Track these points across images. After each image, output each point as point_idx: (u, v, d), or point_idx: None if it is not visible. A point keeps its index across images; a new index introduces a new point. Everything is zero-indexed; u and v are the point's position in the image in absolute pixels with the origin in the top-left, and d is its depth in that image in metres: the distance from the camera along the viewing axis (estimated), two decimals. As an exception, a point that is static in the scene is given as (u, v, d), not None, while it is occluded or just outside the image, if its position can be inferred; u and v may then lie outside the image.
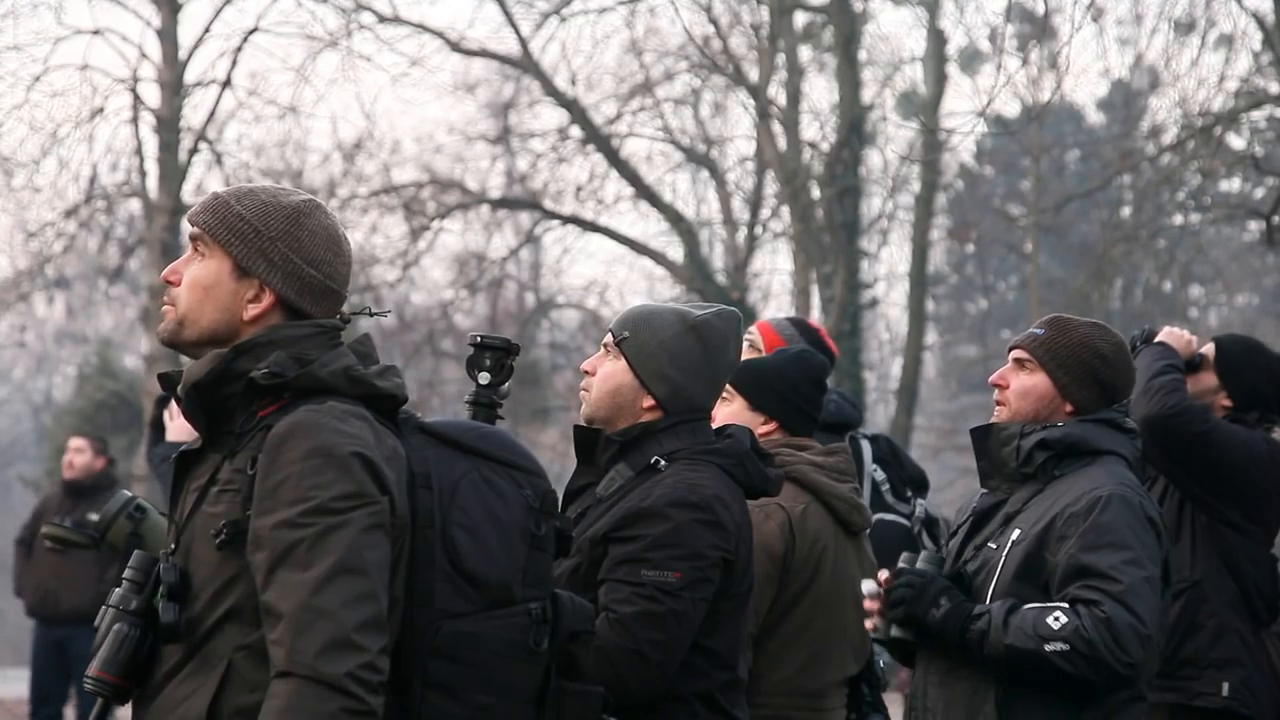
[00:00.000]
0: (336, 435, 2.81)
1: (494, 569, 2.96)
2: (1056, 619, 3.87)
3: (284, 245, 2.98)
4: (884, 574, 4.20)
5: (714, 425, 4.82)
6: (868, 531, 4.82)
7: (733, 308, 3.94)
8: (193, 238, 3.02)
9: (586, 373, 3.93)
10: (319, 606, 2.72)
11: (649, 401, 3.83)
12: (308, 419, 2.83)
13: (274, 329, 2.96)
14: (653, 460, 3.76)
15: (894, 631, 4.13)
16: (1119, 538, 3.92)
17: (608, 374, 3.88)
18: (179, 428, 6.80)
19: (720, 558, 3.67)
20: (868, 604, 4.24)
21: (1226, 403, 5.41)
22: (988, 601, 4.01)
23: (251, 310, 2.98)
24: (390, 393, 2.96)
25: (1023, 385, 4.16)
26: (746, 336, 5.91)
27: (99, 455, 10.45)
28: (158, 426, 6.96)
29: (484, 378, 4.01)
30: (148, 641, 2.89)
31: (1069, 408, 4.15)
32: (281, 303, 2.99)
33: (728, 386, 4.80)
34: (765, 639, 4.53)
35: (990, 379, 4.26)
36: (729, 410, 4.77)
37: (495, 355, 4.02)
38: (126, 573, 2.93)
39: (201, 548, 2.87)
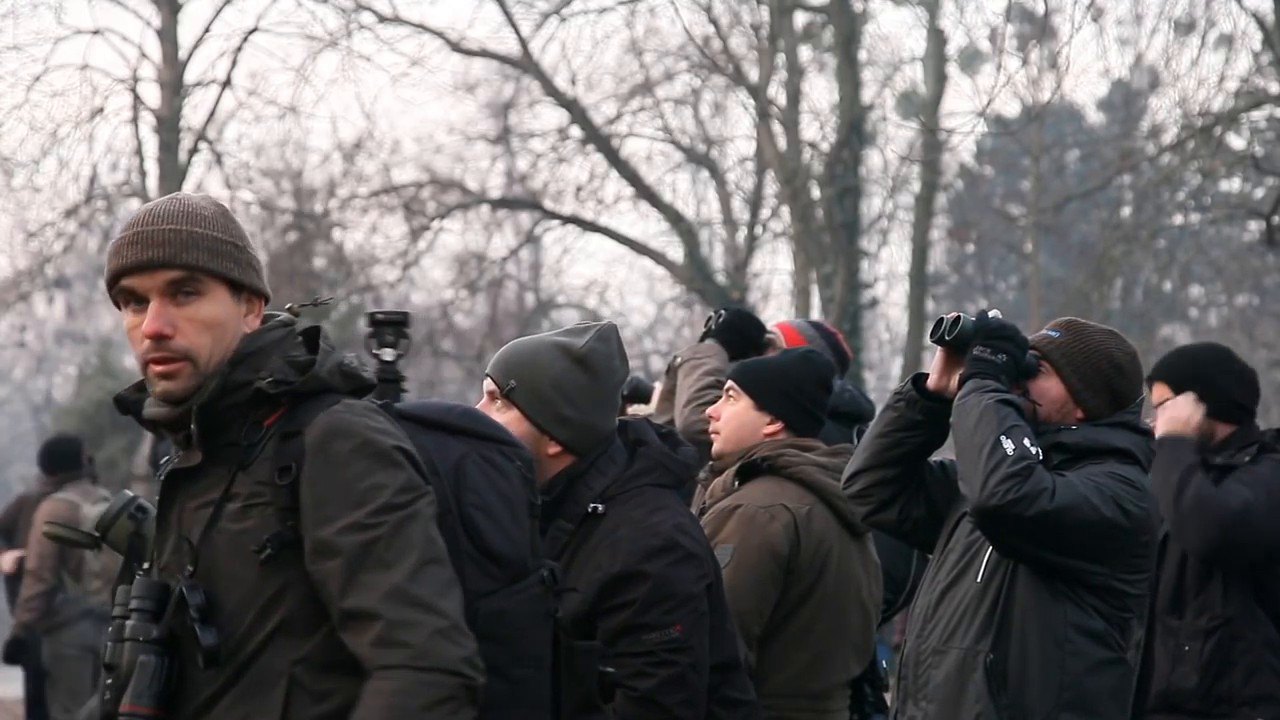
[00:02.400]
0: (374, 433, 2.78)
1: (511, 544, 2.98)
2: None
3: (248, 248, 2.88)
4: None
5: (718, 423, 4.84)
6: (872, 533, 4.82)
7: (607, 320, 3.86)
8: (174, 283, 2.82)
9: None
10: (417, 599, 2.69)
11: (554, 448, 3.69)
12: (340, 422, 2.78)
13: (255, 336, 2.87)
14: (590, 508, 3.65)
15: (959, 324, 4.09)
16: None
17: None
18: None
19: (704, 587, 3.64)
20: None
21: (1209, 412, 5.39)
22: (980, 572, 4.04)
23: (251, 323, 2.89)
24: (371, 382, 2.94)
25: (1036, 388, 4.15)
26: (767, 335, 5.93)
27: None
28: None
29: (388, 354, 3.94)
30: (175, 668, 2.80)
31: (1079, 413, 4.14)
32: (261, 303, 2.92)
33: (734, 385, 4.80)
34: (769, 640, 4.53)
35: None
36: (734, 409, 4.77)
37: (396, 330, 3.95)
38: (134, 603, 2.83)
39: (235, 565, 2.78)
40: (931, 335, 4.16)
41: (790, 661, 4.55)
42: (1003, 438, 3.87)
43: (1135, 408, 4.19)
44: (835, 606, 4.58)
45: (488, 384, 3.75)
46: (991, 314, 4.12)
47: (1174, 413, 5.30)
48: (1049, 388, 4.15)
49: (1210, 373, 5.37)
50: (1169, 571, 5.27)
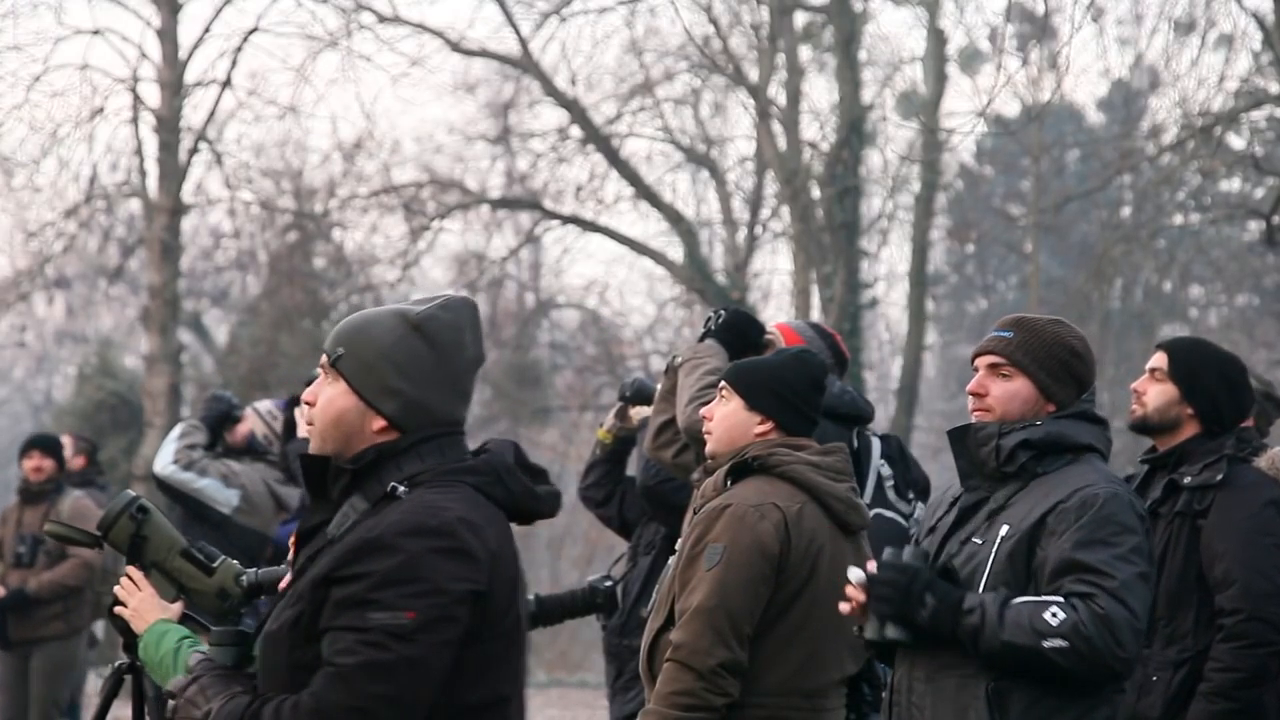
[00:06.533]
0: None
1: None
2: (1054, 614, 3.85)
3: None
4: (871, 565, 4.07)
5: (710, 424, 4.84)
6: (865, 531, 4.82)
7: (464, 295, 3.34)
8: None
9: (308, 404, 3.28)
10: None
11: (379, 423, 3.20)
12: None
13: None
14: (390, 488, 3.15)
15: (889, 632, 4.00)
16: (1112, 534, 3.93)
17: (328, 400, 3.23)
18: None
19: (466, 591, 3.07)
20: (851, 592, 4.07)
21: (1189, 410, 5.38)
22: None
23: None
24: None
25: (1006, 391, 4.13)
26: (766, 335, 5.92)
27: (70, 457, 10.31)
28: (290, 425, 7.03)
29: None
30: None
31: (1051, 407, 4.14)
32: None
33: (726, 385, 4.80)
34: (762, 639, 4.54)
35: (969, 388, 4.19)
36: (726, 409, 4.78)
37: None
38: None
39: None
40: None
41: (784, 660, 4.56)
42: (1044, 644, 3.86)
43: (1090, 395, 4.18)
44: (828, 605, 4.57)
45: (323, 358, 3.30)
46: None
47: (1157, 400, 5.35)
48: (1018, 389, 4.12)
49: (1211, 379, 5.37)
50: None
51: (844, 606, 4.09)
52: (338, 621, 3.06)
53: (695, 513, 4.78)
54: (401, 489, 3.15)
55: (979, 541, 4.05)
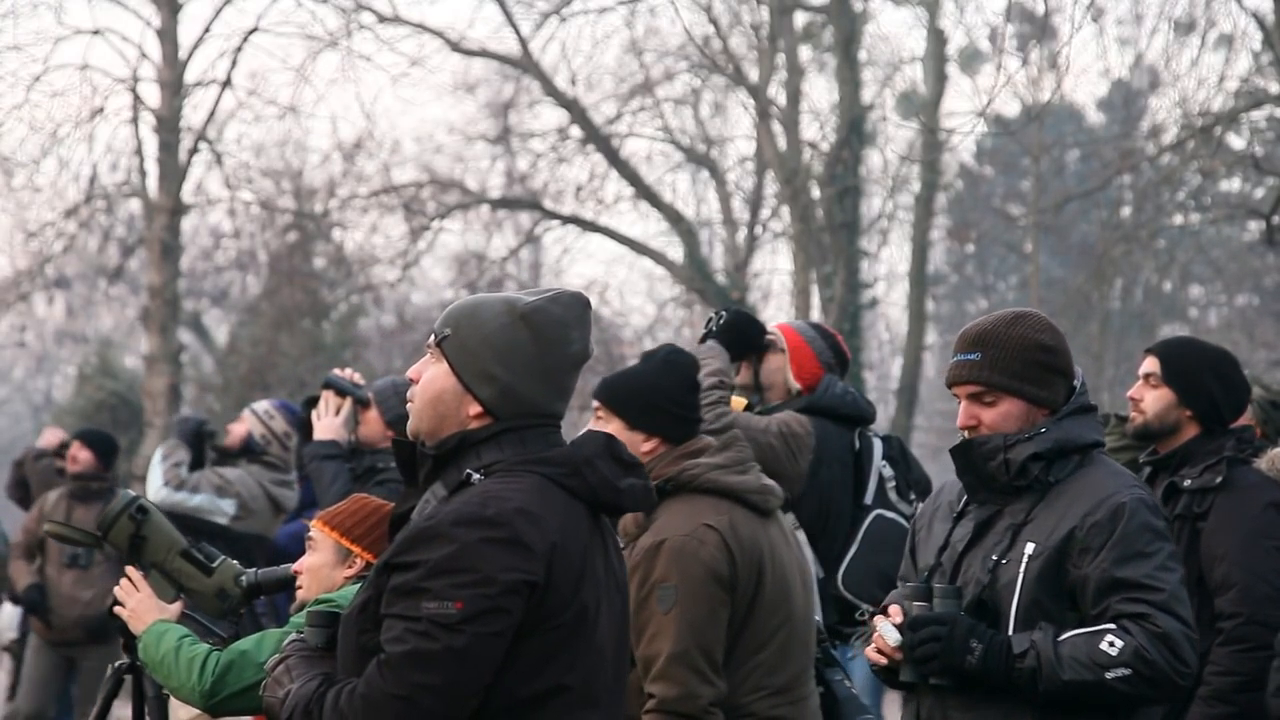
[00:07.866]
0: None
1: None
2: (1111, 643, 3.75)
3: None
4: (896, 615, 3.94)
5: None
6: (781, 509, 4.74)
7: (578, 291, 3.34)
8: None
9: (413, 381, 3.32)
10: None
11: (475, 409, 3.23)
12: None
13: None
14: (465, 475, 3.17)
15: (932, 680, 3.89)
16: (1147, 544, 3.84)
17: (429, 380, 3.27)
18: (325, 426, 6.80)
19: (519, 582, 3.06)
20: (883, 647, 3.94)
21: (1188, 412, 5.36)
22: (1010, 621, 3.87)
23: None
24: None
25: (998, 415, 4.00)
26: (768, 336, 5.90)
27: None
28: (305, 426, 7.01)
29: None
30: None
31: (1045, 411, 4.00)
32: None
33: (602, 407, 4.62)
34: (729, 654, 4.46)
35: (959, 423, 4.05)
36: (608, 431, 4.64)
37: None
38: None
39: None
40: None
41: (754, 665, 4.50)
42: (1107, 675, 3.76)
43: (1083, 386, 4.06)
44: (780, 601, 4.53)
45: (430, 338, 3.36)
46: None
47: (1154, 408, 5.33)
48: (1008, 410, 3.99)
49: (1206, 378, 5.35)
50: None
51: (874, 656, 3.98)
52: (393, 609, 3.08)
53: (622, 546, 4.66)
54: (476, 477, 3.16)
55: (1004, 562, 3.91)
